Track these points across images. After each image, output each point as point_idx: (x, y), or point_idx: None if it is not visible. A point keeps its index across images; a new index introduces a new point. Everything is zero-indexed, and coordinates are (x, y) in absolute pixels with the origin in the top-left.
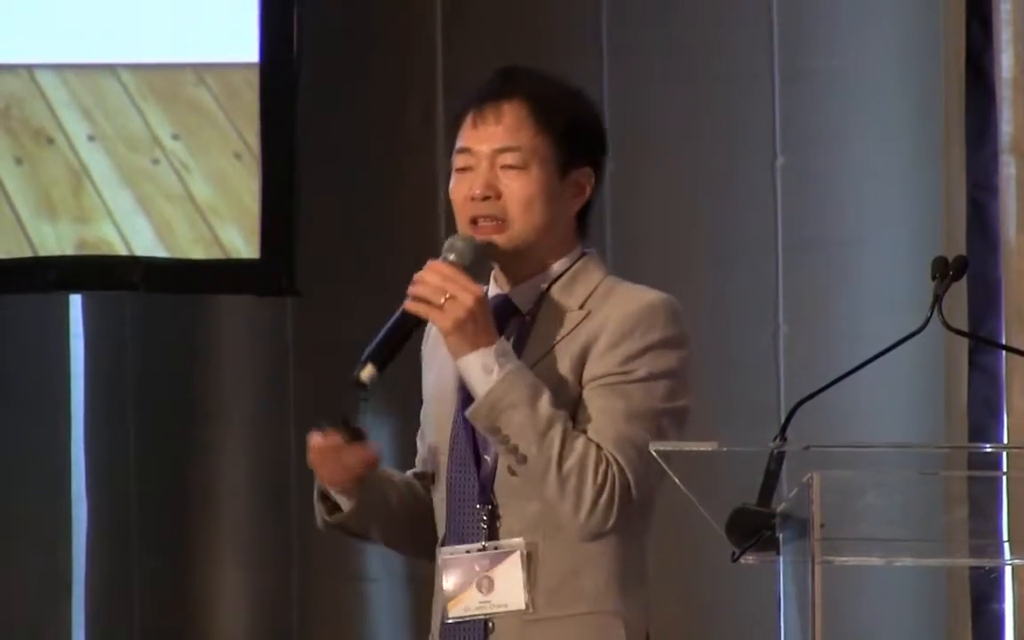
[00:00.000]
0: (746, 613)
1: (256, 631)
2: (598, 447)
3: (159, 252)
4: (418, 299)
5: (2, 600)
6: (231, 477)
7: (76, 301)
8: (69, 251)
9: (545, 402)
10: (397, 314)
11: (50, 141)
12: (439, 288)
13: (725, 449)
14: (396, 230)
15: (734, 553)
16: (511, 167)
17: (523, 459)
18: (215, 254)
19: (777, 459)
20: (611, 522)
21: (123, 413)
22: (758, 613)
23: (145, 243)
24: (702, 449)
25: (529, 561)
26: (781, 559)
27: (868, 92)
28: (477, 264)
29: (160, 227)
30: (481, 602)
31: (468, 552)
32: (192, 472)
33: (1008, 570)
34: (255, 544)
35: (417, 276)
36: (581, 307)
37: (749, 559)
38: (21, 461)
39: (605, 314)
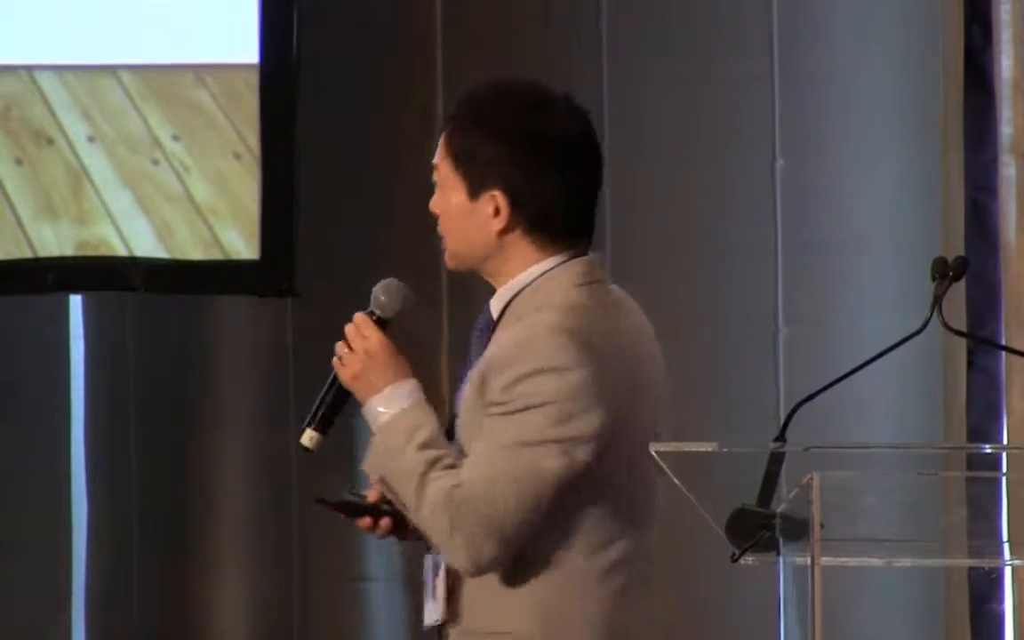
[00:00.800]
0: (746, 614)
1: (256, 632)
2: (453, 488)
3: (159, 253)
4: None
5: (2, 603)
6: (231, 478)
7: (76, 302)
8: (69, 252)
9: (413, 446)
10: (331, 375)
11: (50, 142)
12: (344, 345)
13: (725, 450)
14: (395, 231)
15: (734, 554)
16: (438, 187)
17: (403, 505)
18: (215, 255)
19: (777, 460)
20: (468, 562)
21: (123, 414)
22: (758, 614)
23: (145, 244)
24: (702, 450)
25: (456, 575)
26: (781, 560)
27: (867, 94)
28: (412, 307)
29: (160, 228)
30: (429, 611)
31: (433, 561)
32: (192, 473)
33: (1008, 571)
34: (255, 546)
35: (344, 330)
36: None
37: (749, 560)
38: (21, 462)
39: (505, 337)
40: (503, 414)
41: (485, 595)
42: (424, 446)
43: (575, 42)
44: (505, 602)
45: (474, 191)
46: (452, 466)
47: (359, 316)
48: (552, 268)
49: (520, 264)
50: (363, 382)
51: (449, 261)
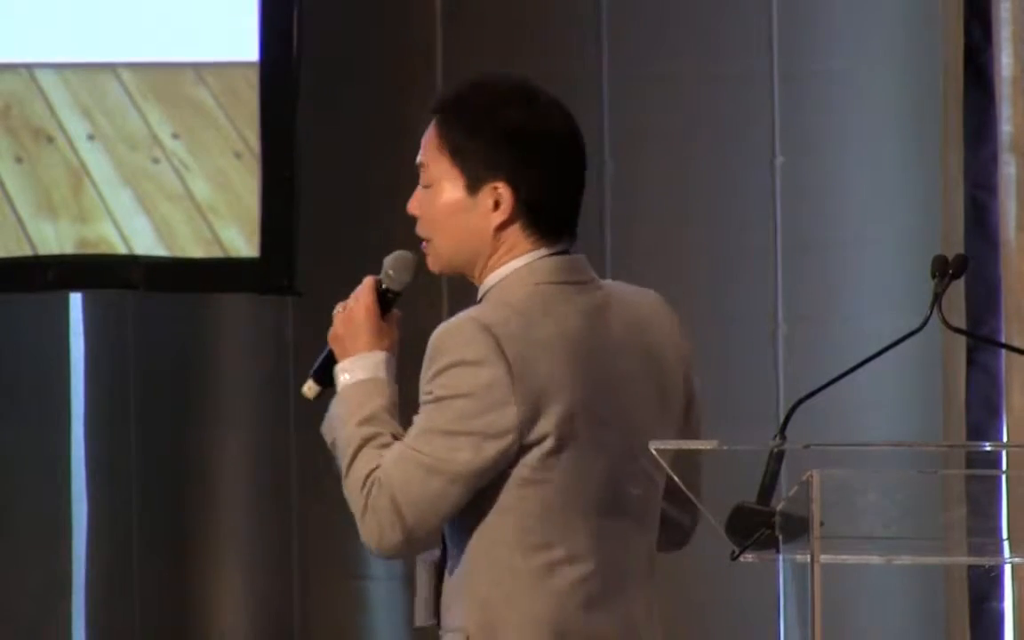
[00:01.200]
0: (746, 612)
1: (257, 630)
2: (374, 470)
3: (159, 251)
4: None
5: (2, 600)
6: (232, 476)
7: (76, 300)
8: (69, 250)
9: (357, 418)
10: None
11: (50, 140)
12: (342, 302)
13: (725, 448)
14: (396, 229)
15: (734, 551)
16: (423, 186)
17: (342, 474)
18: (215, 253)
19: (777, 458)
20: (375, 543)
21: (123, 412)
22: (758, 612)
23: (145, 242)
24: (702, 448)
25: (436, 573)
26: (781, 557)
27: (867, 92)
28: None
29: (160, 226)
30: (418, 612)
31: (424, 561)
32: (193, 471)
33: (1007, 568)
34: (256, 543)
35: None
36: None
37: (749, 557)
38: (21, 460)
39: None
40: (423, 404)
41: (448, 594)
42: (364, 422)
43: (575, 42)
44: (456, 599)
45: (474, 185)
46: (386, 445)
47: (367, 280)
48: (521, 266)
49: (505, 259)
50: (339, 344)
51: (433, 263)
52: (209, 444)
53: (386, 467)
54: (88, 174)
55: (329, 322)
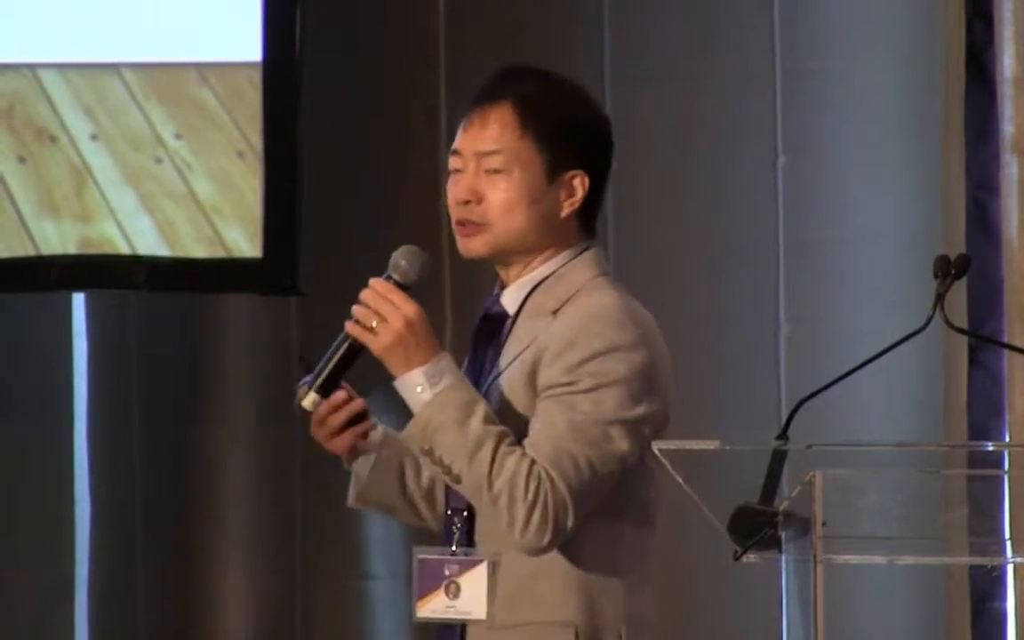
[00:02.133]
0: (748, 612)
1: (259, 631)
2: (532, 463)
3: (162, 251)
4: (357, 322)
5: (4, 602)
6: (234, 476)
7: (79, 300)
8: (72, 250)
9: (477, 419)
10: (340, 337)
11: (53, 140)
12: (372, 311)
13: (727, 448)
14: (399, 229)
15: (736, 551)
16: (494, 171)
17: (457, 479)
18: (218, 253)
19: (779, 458)
20: (547, 538)
21: (126, 412)
22: (760, 612)
23: (148, 242)
24: (704, 448)
25: (494, 570)
26: (783, 558)
27: (869, 91)
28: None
29: (163, 226)
30: (447, 607)
31: (440, 554)
32: (195, 471)
33: (1010, 568)
34: (258, 544)
35: (361, 295)
36: (555, 312)
37: (751, 558)
38: (23, 461)
39: (560, 321)
40: (572, 394)
41: (523, 586)
42: (488, 420)
43: (577, 42)
44: (547, 591)
45: (553, 173)
46: (516, 444)
47: (381, 283)
48: (579, 260)
49: (553, 250)
50: (400, 354)
51: (484, 247)
52: (212, 444)
53: (550, 461)
54: (91, 174)
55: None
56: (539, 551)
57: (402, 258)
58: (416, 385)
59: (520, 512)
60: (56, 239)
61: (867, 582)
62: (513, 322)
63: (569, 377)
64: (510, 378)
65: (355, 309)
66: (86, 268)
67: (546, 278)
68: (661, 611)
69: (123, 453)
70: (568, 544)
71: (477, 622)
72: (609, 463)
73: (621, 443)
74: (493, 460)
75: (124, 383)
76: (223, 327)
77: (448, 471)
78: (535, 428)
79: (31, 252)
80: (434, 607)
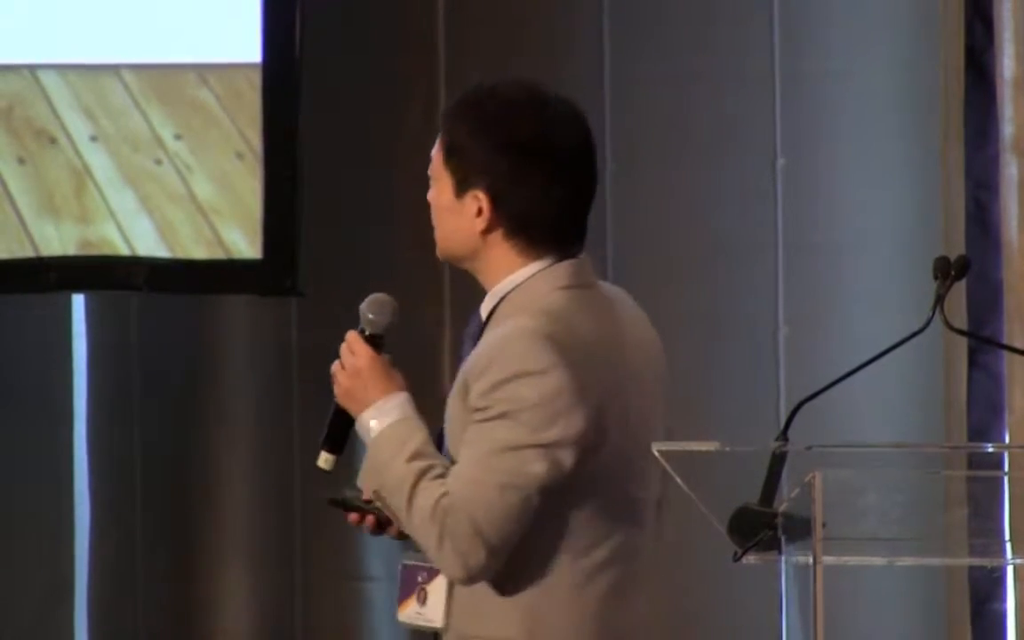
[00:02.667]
0: (748, 613)
1: (259, 632)
2: (439, 498)
3: (162, 252)
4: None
5: (4, 601)
6: (235, 477)
7: (79, 302)
8: (71, 251)
9: (404, 456)
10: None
11: (52, 141)
12: (338, 365)
13: (727, 449)
14: (398, 229)
15: (736, 553)
16: (432, 179)
17: (396, 516)
18: (218, 254)
19: (779, 459)
20: (462, 571)
21: (126, 413)
22: (760, 613)
23: (148, 243)
24: (704, 449)
25: (451, 582)
26: (783, 559)
27: (869, 93)
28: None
29: (163, 227)
30: (417, 613)
31: (418, 562)
32: (196, 472)
33: (1009, 570)
34: (259, 545)
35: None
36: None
37: (751, 559)
38: (23, 462)
39: (482, 341)
40: (484, 421)
41: (474, 600)
42: (413, 457)
43: (576, 42)
44: (492, 608)
45: (460, 189)
46: (442, 475)
47: (350, 334)
48: (537, 272)
49: (504, 266)
50: (353, 398)
51: (439, 253)
52: (211, 445)
53: (458, 492)
54: (90, 175)
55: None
56: (468, 582)
57: (368, 311)
58: (368, 422)
59: (431, 549)
60: (56, 240)
61: (867, 583)
62: (482, 331)
63: (484, 402)
64: (452, 393)
65: (333, 365)
66: (86, 269)
67: (511, 290)
68: (661, 611)
69: (123, 454)
70: (511, 563)
71: (443, 630)
72: (524, 488)
73: (536, 467)
74: (411, 498)
75: (124, 384)
76: (223, 328)
77: (389, 508)
78: (461, 454)
79: (31, 253)
80: (409, 612)
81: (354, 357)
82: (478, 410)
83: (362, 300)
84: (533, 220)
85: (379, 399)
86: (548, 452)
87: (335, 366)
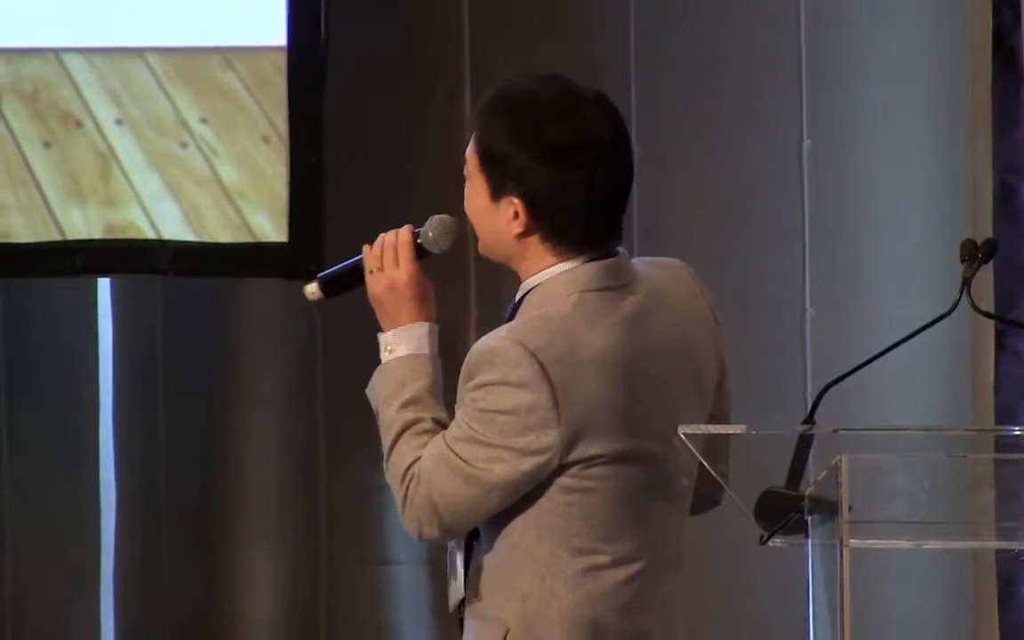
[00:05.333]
0: (775, 596)
1: (284, 615)
2: (415, 461)
3: (187, 236)
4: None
5: (30, 587)
6: (260, 460)
7: (104, 285)
8: (97, 235)
9: (399, 400)
10: (358, 256)
11: (78, 125)
12: (378, 256)
13: (754, 433)
14: (423, 213)
15: (763, 536)
16: (467, 179)
17: (384, 453)
18: (243, 238)
19: (805, 442)
20: (415, 534)
21: (152, 397)
22: (787, 596)
23: (173, 227)
24: (731, 432)
25: (468, 558)
26: (809, 542)
27: (895, 75)
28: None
29: (188, 211)
30: (452, 589)
31: (455, 545)
32: (221, 456)
33: None
34: (282, 528)
35: (382, 234)
36: None
37: (778, 542)
38: (49, 447)
39: (485, 335)
40: (466, 407)
41: (485, 581)
42: (405, 405)
43: (602, 25)
44: (495, 589)
45: (495, 193)
46: (427, 431)
47: (404, 233)
48: (562, 273)
49: (538, 264)
50: (382, 310)
51: (480, 250)
52: (237, 429)
53: (426, 464)
54: (116, 159)
55: (357, 307)
56: (420, 541)
57: (432, 227)
58: (386, 345)
59: (398, 504)
60: (81, 224)
61: (893, 567)
62: (511, 319)
63: (470, 395)
64: (462, 371)
65: (375, 243)
66: (111, 253)
67: (534, 289)
68: (688, 595)
69: (148, 438)
70: (514, 553)
71: (466, 609)
72: (484, 484)
73: (497, 467)
74: (391, 448)
75: (149, 368)
76: (248, 312)
77: (382, 440)
78: (448, 430)
79: (56, 237)
80: (449, 592)
81: (396, 268)
82: (467, 399)
83: None
84: (570, 223)
85: (404, 323)
86: (512, 456)
87: (371, 252)
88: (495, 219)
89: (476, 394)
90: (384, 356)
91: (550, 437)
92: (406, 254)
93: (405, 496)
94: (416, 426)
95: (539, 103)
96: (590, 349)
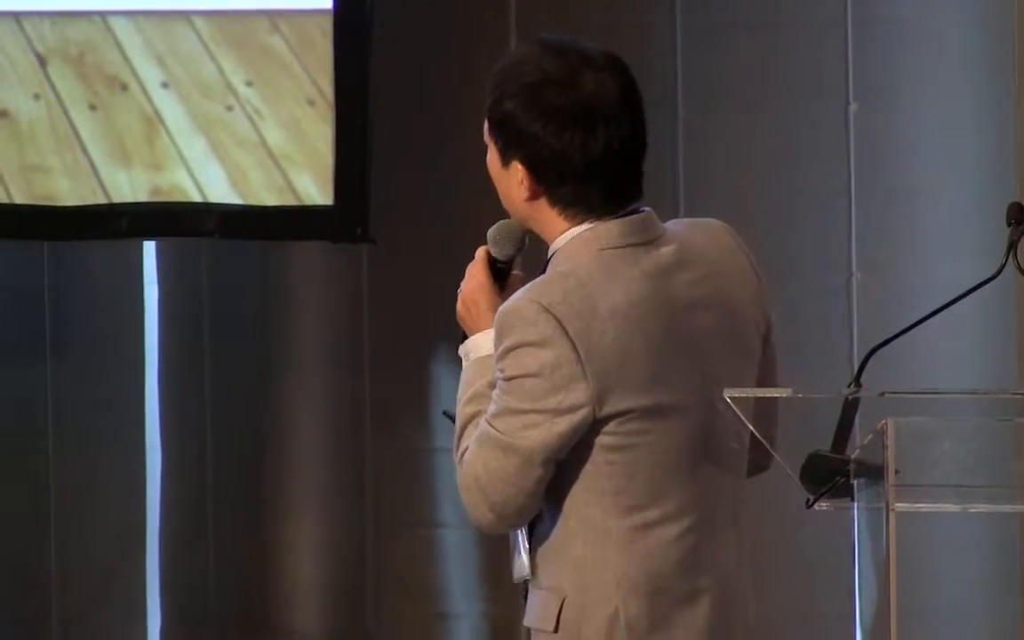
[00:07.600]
0: (821, 560)
1: (330, 579)
2: (465, 450)
3: (233, 199)
4: None
5: (77, 549)
6: (305, 424)
7: (150, 248)
8: (143, 198)
9: (467, 395)
10: None
11: (124, 88)
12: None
13: (800, 395)
14: (468, 176)
15: (809, 499)
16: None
17: None
18: (289, 201)
19: (851, 405)
20: (477, 520)
21: (197, 361)
22: (833, 559)
23: (219, 190)
24: (776, 395)
25: (527, 533)
26: (855, 506)
27: (941, 37)
28: (524, 247)
29: (234, 174)
30: (516, 567)
31: None
32: (266, 419)
33: None
34: (329, 492)
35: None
36: None
37: (824, 505)
38: (95, 410)
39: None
40: (498, 384)
41: (542, 552)
42: (470, 400)
43: None
44: (550, 559)
45: (504, 158)
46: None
47: (479, 251)
48: (581, 233)
49: (554, 228)
50: (464, 323)
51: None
52: (282, 392)
53: (471, 446)
54: (162, 122)
55: (402, 270)
56: (485, 532)
57: (491, 239)
58: (465, 354)
59: (461, 495)
60: (127, 187)
61: (940, 530)
62: None
63: (499, 364)
64: None
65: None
66: (157, 216)
67: (558, 250)
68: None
69: (194, 401)
70: (566, 520)
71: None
72: (522, 453)
73: (533, 432)
74: (456, 443)
75: (195, 331)
76: (294, 275)
77: None
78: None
79: (102, 200)
80: (514, 567)
81: (470, 281)
82: (496, 370)
83: (432, 246)
84: (574, 186)
85: (479, 330)
86: (546, 419)
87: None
88: (508, 185)
89: (503, 363)
90: (464, 365)
91: (579, 392)
92: (477, 267)
93: (460, 484)
94: (475, 418)
95: (540, 67)
96: (609, 302)
